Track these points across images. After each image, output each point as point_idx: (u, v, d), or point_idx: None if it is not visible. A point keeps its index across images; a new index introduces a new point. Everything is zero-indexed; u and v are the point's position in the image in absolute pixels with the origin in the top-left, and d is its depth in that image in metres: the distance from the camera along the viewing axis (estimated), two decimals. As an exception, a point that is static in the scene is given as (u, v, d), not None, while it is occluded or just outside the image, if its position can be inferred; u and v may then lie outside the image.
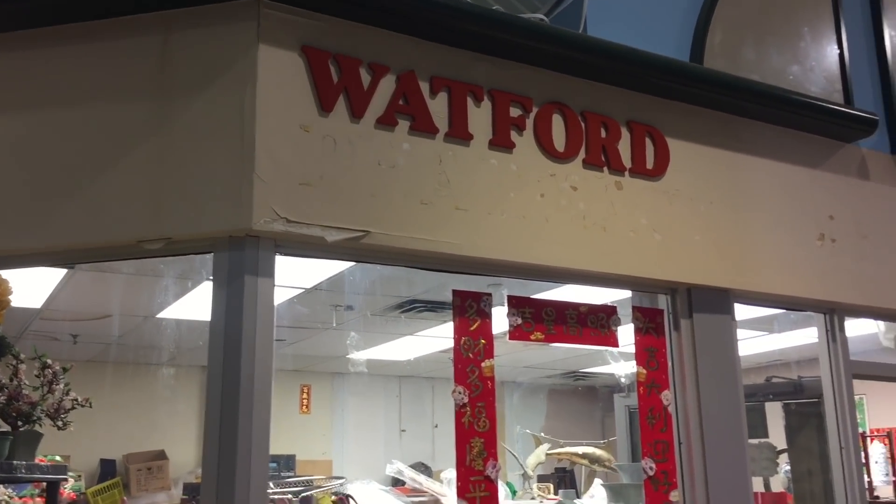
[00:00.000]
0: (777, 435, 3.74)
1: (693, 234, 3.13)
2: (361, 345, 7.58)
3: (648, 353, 3.09)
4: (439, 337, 6.81)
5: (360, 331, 6.85)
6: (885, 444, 7.48)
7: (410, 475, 7.51)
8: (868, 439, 7.75)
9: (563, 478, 6.59)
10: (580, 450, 5.13)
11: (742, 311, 3.28)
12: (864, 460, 7.68)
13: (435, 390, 10.06)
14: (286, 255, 2.49)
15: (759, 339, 5.61)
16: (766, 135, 3.38)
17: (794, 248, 3.36)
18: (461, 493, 2.61)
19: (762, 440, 3.77)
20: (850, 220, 3.52)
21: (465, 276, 2.85)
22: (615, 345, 3.06)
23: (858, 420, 8.35)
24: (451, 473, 6.91)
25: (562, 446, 5.54)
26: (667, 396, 3.07)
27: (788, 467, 4.22)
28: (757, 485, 3.97)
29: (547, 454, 5.40)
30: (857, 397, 8.64)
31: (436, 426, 9.88)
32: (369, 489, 5.94)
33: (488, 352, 2.77)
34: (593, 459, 5.00)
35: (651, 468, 2.98)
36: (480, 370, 2.74)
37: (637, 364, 3.06)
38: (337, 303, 5.90)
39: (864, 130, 3.51)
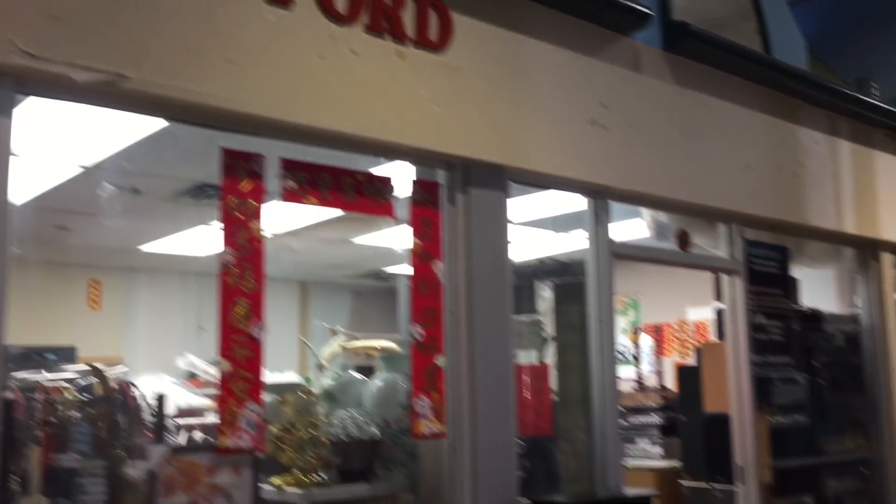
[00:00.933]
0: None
1: (471, 109, 3.19)
2: (153, 235, 7.29)
3: (423, 224, 3.16)
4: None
5: (150, 219, 6.56)
6: (653, 338, 8.18)
7: (203, 367, 7.37)
8: (640, 333, 8.46)
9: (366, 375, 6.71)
10: (377, 343, 5.23)
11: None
12: (635, 352, 8.38)
13: (236, 289, 9.88)
14: (31, 94, 2.31)
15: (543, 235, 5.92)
16: (548, 19, 3.47)
17: (567, 132, 3.51)
18: (223, 352, 2.59)
19: (532, 316, 4.00)
20: (621, 109, 3.71)
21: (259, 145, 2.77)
22: (392, 215, 3.10)
23: (633, 318, 9.11)
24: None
25: (358, 339, 5.62)
26: (438, 267, 3.17)
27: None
28: (527, 358, 4.23)
29: (343, 346, 5.48)
30: (634, 296, 9.33)
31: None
32: (159, 381, 5.79)
33: (259, 213, 2.72)
34: (390, 353, 5.13)
35: (420, 334, 3.08)
36: (250, 231, 2.69)
37: (413, 235, 3.13)
38: (120, 184, 5.60)
39: (637, 23, 3.69)
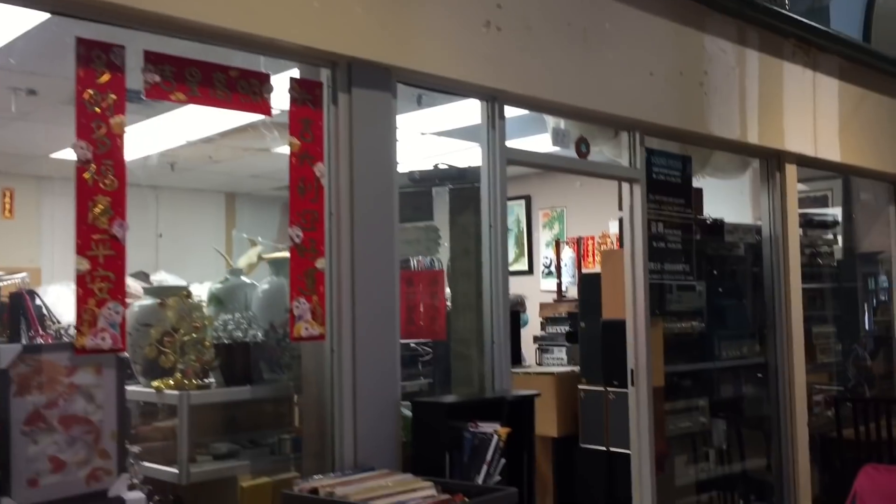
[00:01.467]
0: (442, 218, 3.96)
1: (356, 5, 3.07)
2: (62, 141, 7.03)
3: (303, 124, 3.07)
4: (149, 135, 6.46)
5: (53, 124, 6.31)
6: (573, 250, 8.27)
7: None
8: (562, 246, 8.54)
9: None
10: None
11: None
12: (557, 264, 8.47)
13: (159, 200, 9.69)
14: None
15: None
16: (439, -88, 3.34)
17: (461, 33, 3.42)
18: (81, 250, 2.51)
19: (428, 223, 3.98)
20: (518, 10, 3.62)
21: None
22: (268, 113, 3.00)
23: (556, 230, 9.19)
24: (160, 275, 6.74)
25: (279, 250, 5.56)
26: (320, 168, 3.10)
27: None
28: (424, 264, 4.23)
29: (260, 256, 5.41)
30: (558, 209, 9.37)
31: (160, 235, 9.60)
32: (68, 290, 5.67)
33: (119, 108, 2.61)
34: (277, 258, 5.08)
35: (298, 236, 3.03)
36: (109, 126, 2.58)
37: (290, 134, 3.05)
38: (15, 85, 5.36)
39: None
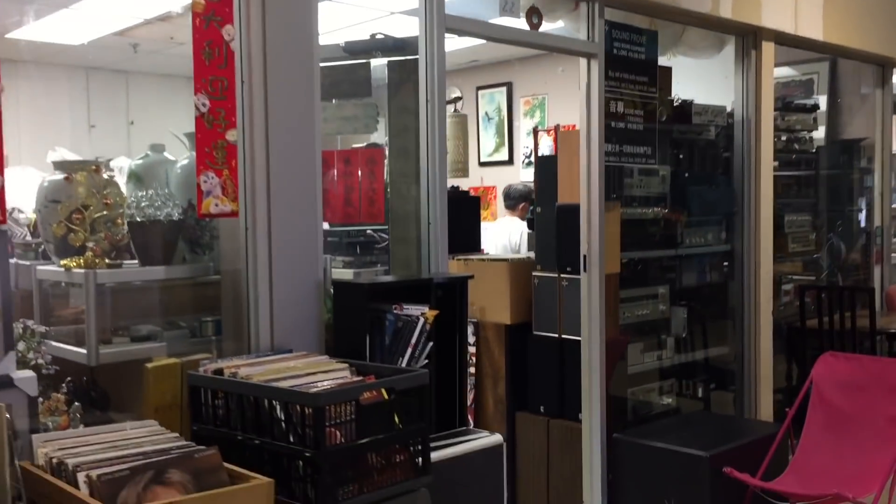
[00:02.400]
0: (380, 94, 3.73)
1: None
2: (15, 21, 6.72)
3: (209, -18, 2.82)
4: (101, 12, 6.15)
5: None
6: (551, 137, 8.01)
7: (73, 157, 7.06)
8: (540, 134, 8.28)
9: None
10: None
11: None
12: (535, 153, 8.23)
13: (129, 85, 9.41)
14: None
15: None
16: None
17: None
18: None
19: (366, 99, 3.75)
20: None
21: None
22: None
23: (538, 118, 8.91)
24: (121, 161, 6.53)
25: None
26: (229, 31, 2.86)
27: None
28: (361, 140, 4.04)
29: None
30: (540, 97, 9.06)
31: (131, 123, 9.36)
32: (24, 174, 5.49)
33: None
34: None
35: (204, 105, 2.82)
36: None
37: (194, -7, 2.80)
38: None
39: None
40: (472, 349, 4.64)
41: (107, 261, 3.02)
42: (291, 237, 2.97)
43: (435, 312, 3.09)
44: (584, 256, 4.19)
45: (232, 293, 3.01)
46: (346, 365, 2.69)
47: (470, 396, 4.66)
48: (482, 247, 6.25)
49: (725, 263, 5.14)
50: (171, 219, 3.12)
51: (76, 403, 2.90)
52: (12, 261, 3.49)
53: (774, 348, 5.25)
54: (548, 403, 4.46)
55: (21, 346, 2.84)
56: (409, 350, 3.03)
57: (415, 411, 2.53)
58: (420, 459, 2.54)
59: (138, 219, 3.09)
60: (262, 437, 2.43)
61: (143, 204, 3.10)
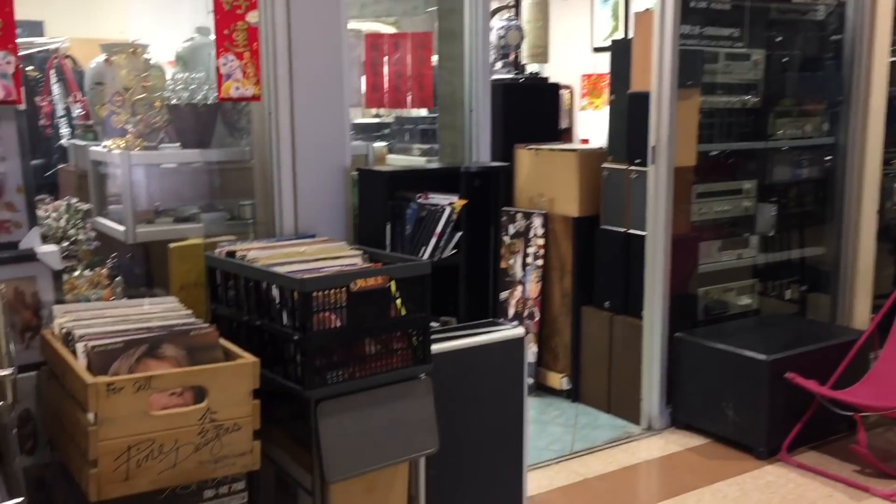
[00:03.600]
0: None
1: None
2: None
3: None
4: None
5: None
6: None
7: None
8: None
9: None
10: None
11: None
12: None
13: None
14: None
15: None
16: None
17: None
18: None
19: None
20: None
21: None
22: None
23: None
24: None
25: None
26: None
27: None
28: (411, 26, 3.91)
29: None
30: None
31: None
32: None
33: None
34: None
35: (224, -15, 2.78)
36: None
37: None
38: None
39: None
40: (540, 241, 4.55)
41: (145, 143, 3.11)
42: (315, 122, 2.94)
43: (463, 202, 3.02)
44: (652, 148, 3.95)
45: (262, 178, 3.05)
46: (360, 252, 2.68)
47: (537, 288, 4.60)
48: (585, 137, 6.06)
49: (827, 158, 4.72)
50: (207, 102, 3.15)
51: (118, 278, 3.07)
52: (71, 141, 3.67)
53: (880, 251, 4.84)
54: (613, 299, 4.34)
55: (62, 221, 3.00)
56: (434, 240, 2.99)
57: (417, 300, 2.51)
58: (420, 348, 2.53)
59: (175, 101, 3.14)
60: (262, 319, 2.49)
61: (179, 87, 3.14)
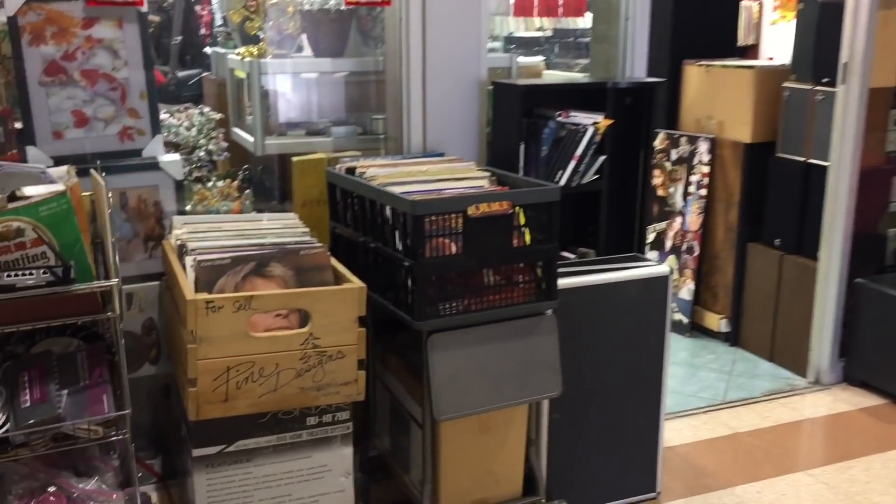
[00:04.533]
0: None
1: None
2: None
3: None
4: None
5: None
6: None
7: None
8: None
9: None
10: None
11: None
12: None
13: None
14: None
15: None
16: None
17: None
18: None
19: None
20: None
21: None
22: None
23: None
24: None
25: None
26: None
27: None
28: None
29: None
30: None
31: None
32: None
33: None
34: None
35: None
36: None
37: None
38: None
39: None
40: (705, 169, 4.12)
41: (277, 50, 2.99)
42: (450, 30, 2.69)
43: (609, 122, 2.70)
44: (844, 64, 3.42)
45: (394, 90, 2.85)
46: (488, 174, 2.46)
47: (698, 221, 4.20)
48: (771, 55, 5.46)
49: None
50: (341, 8, 2.97)
51: (248, 191, 3.00)
52: (213, 49, 3.61)
53: None
54: (784, 236, 3.88)
55: (194, 131, 2.95)
56: (573, 163, 2.70)
57: (545, 229, 2.27)
58: (545, 282, 2.29)
59: (308, 7, 2.98)
60: (376, 242, 2.33)
61: (314, -9, 2.98)
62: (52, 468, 2.18)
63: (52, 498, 2.13)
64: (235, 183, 2.99)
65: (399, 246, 2.21)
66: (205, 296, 2.01)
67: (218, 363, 2.01)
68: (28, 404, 2.01)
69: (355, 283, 2.12)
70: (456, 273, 2.19)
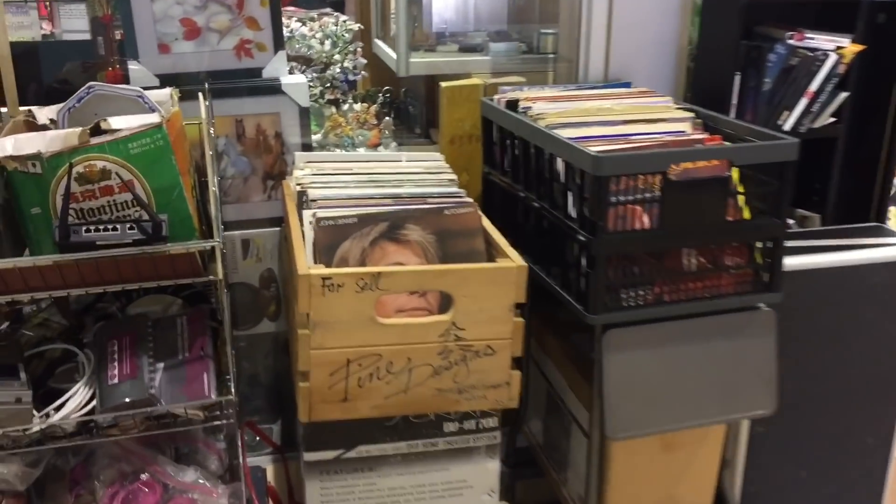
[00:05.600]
0: None
1: None
2: None
3: None
4: None
5: None
6: None
7: None
8: None
9: None
10: None
11: None
12: None
13: None
14: None
15: None
16: None
17: None
18: None
19: None
20: None
21: None
22: None
23: None
24: None
25: None
26: None
27: None
28: None
29: None
30: None
31: None
32: None
33: None
34: None
35: None
36: None
37: None
38: None
39: None
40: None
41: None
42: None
43: (858, 48, 2.03)
44: None
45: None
46: (692, 116, 1.87)
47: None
48: None
49: None
50: None
51: (387, 119, 2.54)
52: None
53: None
54: None
55: (328, 45, 2.49)
56: (805, 100, 2.06)
57: (770, 198, 1.68)
58: (767, 268, 1.72)
59: None
60: (542, 201, 1.81)
61: None
62: (149, 449, 1.86)
63: (144, 488, 1.81)
64: (374, 108, 2.52)
65: (573, 212, 1.68)
66: (321, 270, 1.56)
67: (336, 354, 1.58)
68: (116, 380, 1.67)
69: (514, 260, 1.62)
70: (647, 253, 1.65)
